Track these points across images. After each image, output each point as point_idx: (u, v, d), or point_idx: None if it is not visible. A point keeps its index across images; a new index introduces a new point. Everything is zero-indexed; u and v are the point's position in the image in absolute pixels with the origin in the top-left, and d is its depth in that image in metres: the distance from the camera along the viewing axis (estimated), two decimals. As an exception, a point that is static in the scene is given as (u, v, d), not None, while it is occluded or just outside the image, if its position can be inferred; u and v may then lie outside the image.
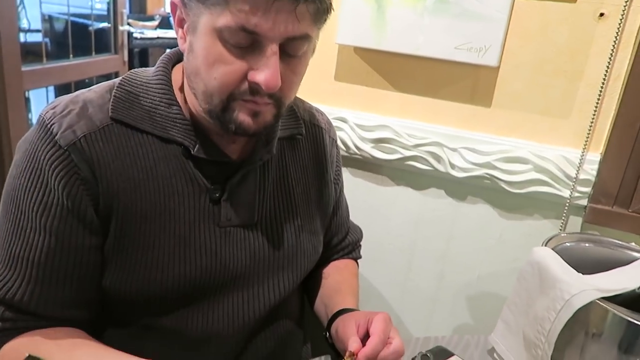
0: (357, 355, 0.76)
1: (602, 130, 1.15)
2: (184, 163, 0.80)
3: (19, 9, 2.82)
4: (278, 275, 0.91)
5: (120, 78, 0.82)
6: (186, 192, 0.80)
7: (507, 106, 1.21)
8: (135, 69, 0.86)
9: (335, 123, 1.27)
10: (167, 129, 0.79)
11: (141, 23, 4.27)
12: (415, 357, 0.82)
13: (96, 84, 0.84)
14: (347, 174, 1.39)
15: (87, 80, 2.91)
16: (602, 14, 1.09)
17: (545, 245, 0.93)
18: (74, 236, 0.75)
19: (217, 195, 0.82)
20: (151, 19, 4.46)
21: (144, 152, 0.78)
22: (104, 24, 3.14)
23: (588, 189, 1.17)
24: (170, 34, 4.22)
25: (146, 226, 0.78)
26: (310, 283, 1.09)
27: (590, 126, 1.15)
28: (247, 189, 0.86)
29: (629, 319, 0.75)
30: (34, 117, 2.92)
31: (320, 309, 1.02)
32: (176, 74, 0.83)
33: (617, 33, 1.08)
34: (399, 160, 1.31)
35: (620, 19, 1.08)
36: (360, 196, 1.39)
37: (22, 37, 2.86)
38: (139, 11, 4.93)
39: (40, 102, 3.03)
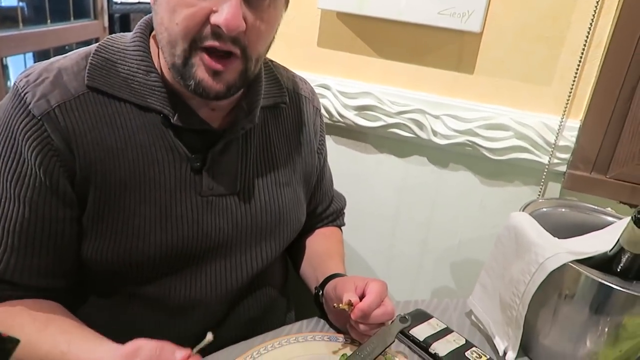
0: (354, 307, 0.79)
1: (583, 97, 1.16)
2: (164, 132, 0.79)
3: (-8, -29, 2.71)
4: (260, 244, 0.92)
5: (96, 44, 0.81)
6: (166, 161, 0.80)
7: (489, 73, 1.21)
8: (113, 35, 0.84)
9: (318, 90, 1.26)
10: (145, 97, 0.78)
11: (121, -13, 4.14)
12: (394, 320, 0.84)
13: (76, 50, 0.82)
14: (330, 142, 1.39)
15: (66, 47, 2.83)
16: (585, -21, 1.08)
17: (523, 211, 0.95)
18: (47, 207, 0.74)
19: (198, 164, 0.82)
20: (131, -18, 4.32)
21: (122, 120, 0.77)
22: (82, -13, 3.04)
23: (567, 156, 1.19)
24: (151, -2, 4.10)
25: (126, 195, 0.77)
26: (295, 250, 1.11)
27: (570, 93, 1.15)
28: (229, 158, 0.85)
29: (600, 280, 0.77)
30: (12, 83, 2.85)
31: (308, 272, 1.04)
32: (155, 40, 0.81)
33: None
34: (382, 127, 1.31)
35: (603, -15, 1.07)
36: (344, 164, 1.39)
37: (-4, 2, 2.76)
38: (119, -26, 4.77)
39: (19, 69, 2.95)
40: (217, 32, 0.69)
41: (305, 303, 1.03)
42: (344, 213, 1.21)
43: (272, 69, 0.96)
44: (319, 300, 0.94)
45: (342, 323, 0.90)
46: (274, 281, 1.02)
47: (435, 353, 0.89)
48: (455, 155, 1.30)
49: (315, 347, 0.87)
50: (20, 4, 3.02)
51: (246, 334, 0.89)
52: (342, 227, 1.21)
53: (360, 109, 1.31)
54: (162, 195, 0.79)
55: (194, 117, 0.80)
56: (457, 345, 0.91)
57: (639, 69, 1.07)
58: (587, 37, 1.10)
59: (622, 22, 1.06)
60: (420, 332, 0.93)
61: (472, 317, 1.02)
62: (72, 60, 0.78)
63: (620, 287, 0.76)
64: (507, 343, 0.91)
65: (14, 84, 0.75)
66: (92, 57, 0.78)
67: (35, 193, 0.73)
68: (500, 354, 0.91)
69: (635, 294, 0.76)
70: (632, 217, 0.74)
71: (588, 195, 1.17)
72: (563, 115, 1.17)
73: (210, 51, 0.70)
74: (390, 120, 1.29)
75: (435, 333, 0.93)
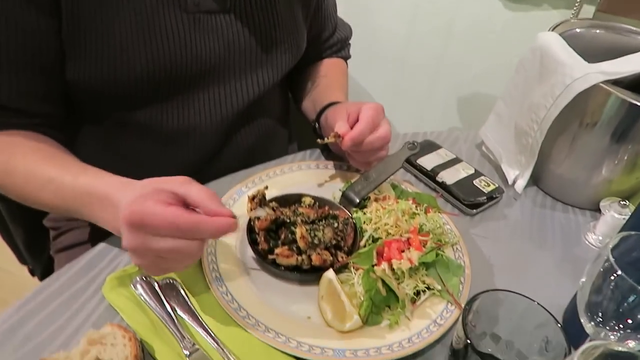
0: (343, 138, 0.74)
1: None
2: None
3: None
4: (257, 70, 0.84)
5: None
6: None
7: None
8: None
9: None
10: None
11: None
12: (402, 147, 0.80)
13: None
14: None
15: None
16: None
17: (553, 31, 0.85)
18: (26, 17, 0.66)
19: None
20: None
21: None
22: None
23: (608, -28, 1.04)
24: None
25: (102, 10, 0.68)
26: (297, 82, 1.03)
27: None
28: None
29: (631, 100, 0.70)
30: None
31: (308, 106, 0.98)
32: None
33: None
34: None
35: None
36: (351, -13, 1.24)
37: None
38: None
39: None
40: None
41: (308, 136, 0.99)
42: (349, 44, 1.10)
43: None
44: (317, 133, 0.89)
45: (343, 153, 0.86)
46: (273, 111, 0.96)
47: (442, 182, 0.86)
48: (478, -26, 1.15)
49: (319, 175, 0.85)
50: None
51: (247, 165, 0.86)
52: (348, 60, 1.11)
53: None
54: (142, 11, 0.70)
55: None
56: (466, 175, 0.88)
57: None
58: None
59: None
60: (428, 161, 0.90)
61: (483, 148, 0.98)
62: None
63: (653, 109, 0.70)
64: (517, 172, 0.88)
65: None
66: None
67: (10, 1, 0.64)
68: (510, 182, 0.89)
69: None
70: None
71: (624, 19, 1.05)
72: None
73: None
74: None
75: (443, 163, 0.90)
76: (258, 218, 0.68)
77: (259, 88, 0.85)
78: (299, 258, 0.66)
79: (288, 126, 1.06)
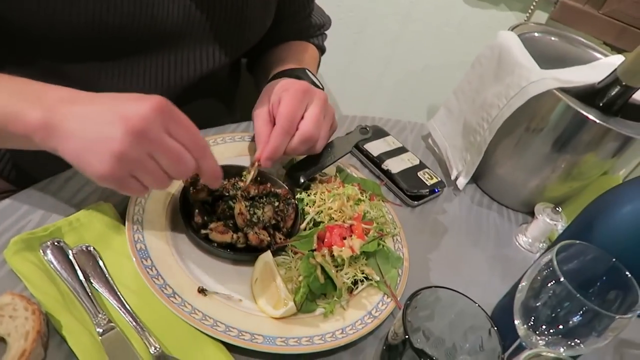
0: (258, 161, 0.66)
1: None
2: None
3: None
4: (214, 44, 0.77)
5: None
6: None
7: None
8: None
9: None
10: None
11: None
12: (353, 130, 0.77)
13: None
14: None
15: None
16: None
17: (512, 31, 0.85)
18: None
19: None
20: None
21: None
22: None
23: (565, -18, 1.05)
24: None
25: None
26: (258, 65, 0.95)
27: None
28: None
29: (578, 108, 0.72)
30: None
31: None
32: None
33: None
34: None
35: None
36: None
37: None
38: None
39: None
40: None
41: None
42: (325, 34, 1.02)
43: None
44: None
45: None
46: (220, 90, 0.90)
47: (387, 170, 0.84)
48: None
49: (262, 148, 0.79)
50: None
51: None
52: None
53: None
54: None
55: None
56: (411, 165, 0.86)
57: None
58: None
59: None
60: (375, 148, 0.88)
61: (429, 141, 0.97)
62: None
63: (596, 118, 0.71)
64: (461, 169, 0.88)
65: None
66: None
67: None
68: (452, 178, 0.89)
69: (609, 126, 0.71)
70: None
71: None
72: None
73: None
74: None
75: (390, 150, 0.88)
76: (195, 187, 0.62)
77: (214, 62, 0.78)
78: (235, 236, 0.61)
79: (234, 108, 0.99)
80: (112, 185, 0.51)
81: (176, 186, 0.65)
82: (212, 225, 0.61)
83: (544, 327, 0.53)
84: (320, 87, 0.77)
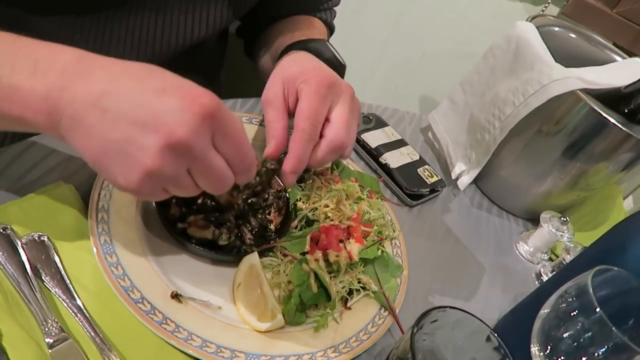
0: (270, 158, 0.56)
1: None
2: None
3: None
4: (209, 5, 0.68)
5: None
6: None
7: None
8: None
9: None
10: None
11: None
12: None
13: None
14: None
15: None
16: None
17: (530, 22, 0.78)
18: None
19: None
20: None
21: None
22: None
23: (581, -25, 0.99)
24: None
25: None
26: (259, 42, 0.84)
27: None
28: None
29: (603, 112, 0.65)
30: None
31: (267, 66, 0.80)
32: None
33: None
34: None
35: None
36: None
37: None
38: None
39: None
40: None
41: (240, 81, 0.84)
42: (334, 11, 0.89)
43: None
44: None
45: None
46: (207, 62, 0.81)
47: (386, 164, 0.77)
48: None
49: (249, 131, 0.71)
50: None
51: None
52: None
53: None
54: None
55: None
56: (410, 160, 0.79)
57: None
58: None
59: None
60: (373, 138, 0.80)
61: (429, 134, 0.90)
62: None
63: (619, 124, 0.65)
64: (464, 168, 0.81)
65: None
66: None
67: None
68: (453, 177, 0.82)
69: (631, 132, 0.65)
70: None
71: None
72: None
73: None
74: None
75: (389, 142, 0.80)
76: None
77: (206, 28, 0.69)
78: (217, 231, 0.53)
79: (219, 85, 0.90)
80: (132, 194, 0.42)
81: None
82: (190, 219, 0.52)
83: (562, 357, 0.48)
84: (343, 64, 0.68)
